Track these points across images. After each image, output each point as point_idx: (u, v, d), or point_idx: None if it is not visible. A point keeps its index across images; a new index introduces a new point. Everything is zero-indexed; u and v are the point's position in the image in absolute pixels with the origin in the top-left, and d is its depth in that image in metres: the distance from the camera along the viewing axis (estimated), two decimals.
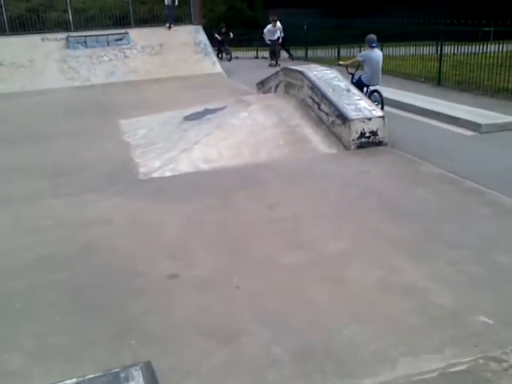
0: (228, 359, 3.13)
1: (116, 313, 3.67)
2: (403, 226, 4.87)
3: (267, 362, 3.09)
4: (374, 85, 9.32)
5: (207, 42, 18.15)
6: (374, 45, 9.29)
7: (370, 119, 7.41)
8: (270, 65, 18.84)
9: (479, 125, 8.18)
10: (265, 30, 19.70)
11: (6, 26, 17.52)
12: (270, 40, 19.54)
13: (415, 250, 4.37)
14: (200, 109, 9.61)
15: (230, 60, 21.41)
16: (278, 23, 19.61)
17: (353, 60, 10.05)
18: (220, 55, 21.40)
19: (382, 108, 8.50)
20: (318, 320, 3.45)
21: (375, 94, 9.24)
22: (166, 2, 18.33)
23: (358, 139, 7.38)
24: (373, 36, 9.28)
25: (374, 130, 7.41)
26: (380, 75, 9.39)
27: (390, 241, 4.56)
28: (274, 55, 19.50)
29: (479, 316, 3.38)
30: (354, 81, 9.36)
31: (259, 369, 3.03)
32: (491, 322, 3.32)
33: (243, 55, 22.74)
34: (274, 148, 7.48)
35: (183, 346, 3.28)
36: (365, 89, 9.24)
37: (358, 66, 9.70)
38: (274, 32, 19.48)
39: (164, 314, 3.64)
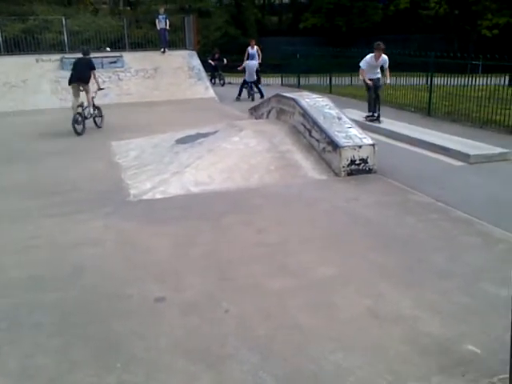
0: None
1: (102, 335, 3.63)
2: (392, 254, 4.88)
3: None
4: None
5: (201, 67, 18.35)
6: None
7: (360, 147, 7.49)
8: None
9: (468, 155, 8.28)
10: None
11: (1, 47, 17.62)
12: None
13: (403, 279, 4.38)
14: (192, 132, 9.66)
15: (223, 85, 21.65)
16: (256, 47, 19.36)
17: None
18: (213, 80, 21.62)
19: None
20: (305, 346, 3.43)
21: None
22: (158, 27, 18.56)
23: (348, 166, 7.44)
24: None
25: (365, 157, 7.48)
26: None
27: (379, 268, 4.56)
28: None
29: (467, 345, 3.38)
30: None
31: None
32: (479, 351, 3.32)
33: (236, 81, 22.92)
34: (265, 173, 7.52)
35: (169, 370, 3.24)
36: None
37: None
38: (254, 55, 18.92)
39: (150, 337, 3.60)
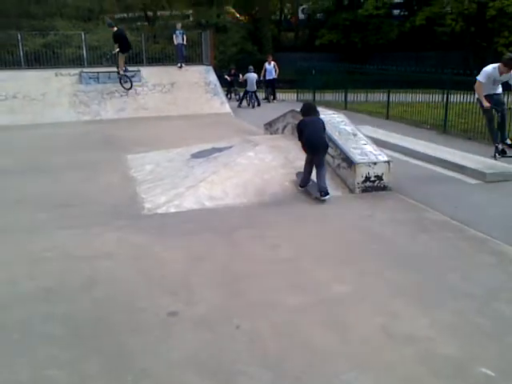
0: None
1: (114, 348, 3.64)
2: (406, 272, 4.84)
3: None
4: None
5: (217, 83, 18.49)
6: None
7: (375, 163, 7.47)
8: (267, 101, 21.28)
9: (484, 174, 8.21)
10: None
11: (22, 61, 17.94)
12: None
13: (418, 298, 4.33)
14: (207, 147, 9.71)
15: (238, 100, 21.79)
16: (273, 62, 21.44)
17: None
18: (229, 95, 21.75)
19: None
20: (317, 364, 3.40)
21: None
22: (175, 42, 18.78)
23: (362, 183, 7.42)
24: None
25: (379, 174, 7.46)
26: None
27: (393, 287, 4.53)
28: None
29: (481, 367, 3.33)
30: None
31: None
32: (493, 374, 3.27)
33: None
34: (279, 188, 7.52)
35: None
36: None
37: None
38: (271, 71, 21.19)
39: (162, 351, 3.60)
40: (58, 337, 3.80)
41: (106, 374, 3.34)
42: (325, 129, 7.58)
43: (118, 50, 15.52)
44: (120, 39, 15.59)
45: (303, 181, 7.54)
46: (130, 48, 16.35)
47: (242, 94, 20.89)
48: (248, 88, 20.43)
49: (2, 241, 5.86)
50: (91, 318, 4.07)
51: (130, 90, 16.88)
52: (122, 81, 16.39)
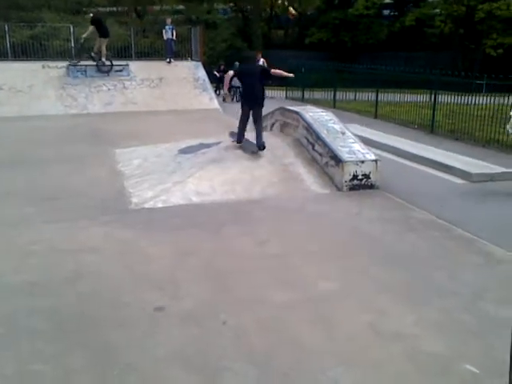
0: None
1: (99, 342, 3.61)
2: (392, 270, 4.86)
3: None
4: None
5: (206, 78, 18.43)
6: None
7: (363, 162, 7.49)
8: None
9: (470, 174, 8.28)
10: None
11: (9, 52, 17.73)
12: None
13: (405, 296, 4.35)
14: (195, 143, 9.66)
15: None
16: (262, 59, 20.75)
17: None
18: (218, 92, 21.70)
19: None
20: (304, 361, 3.40)
21: None
22: (164, 37, 18.69)
23: (350, 181, 7.44)
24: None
25: (367, 172, 7.49)
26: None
27: (379, 284, 4.54)
28: None
29: (466, 365, 3.35)
30: None
31: None
32: (478, 371, 3.29)
33: None
34: (267, 185, 7.52)
35: (165, 380, 3.22)
36: None
37: None
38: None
39: (148, 346, 3.58)
40: (43, 331, 3.76)
41: (91, 369, 3.31)
42: (263, 77, 8.19)
43: (93, 31, 16.22)
44: (99, 24, 16.38)
45: (239, 137, 7.70)
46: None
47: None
48: (233, 83, 20.46)
49: None
50: (76, 313, 4.03)
51: (118, 84, 16.79)
52: (100, 66, 16.89)
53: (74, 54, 18.17)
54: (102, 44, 16.50)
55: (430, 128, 12.82)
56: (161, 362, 3.40)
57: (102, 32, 16.42)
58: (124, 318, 3.95)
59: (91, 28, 16.19)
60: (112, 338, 3.67)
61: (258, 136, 7.67)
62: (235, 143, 7.90)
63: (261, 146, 7.37)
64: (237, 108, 18.04)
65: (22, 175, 8.45)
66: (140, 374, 3.26)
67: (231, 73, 8.86)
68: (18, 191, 7.52)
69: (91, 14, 16.78)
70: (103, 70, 16.91)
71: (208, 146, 9.27)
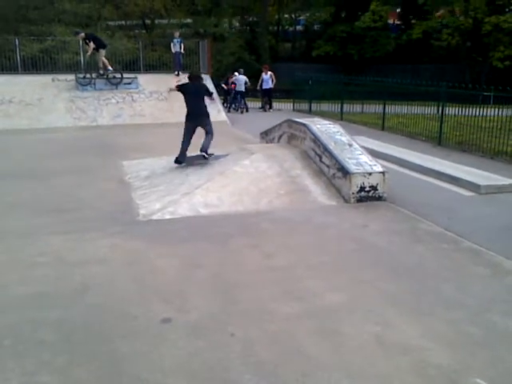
0: None
1: (106, 354, 3.61)
2: (400, 282, 4.84)
3: None
4: None
5: (214, 91, 18.52)
6: None
7: (370, 174, 7.49)
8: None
9: (478, 186, 8.25)
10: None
11: (19, 65, 17.95)
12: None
13: (412, 308, 4.33)
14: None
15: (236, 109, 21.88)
16: (270, 72, 21.92)
17: None
18: (225, 104, 21.82)
19: None
20: (311, 373, 3.39)
21: None
22: (172, 50, 18.84)
23: (357, 193, 7.44)
24: None
25: (374, 184, 7.48)
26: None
27: (387, 297, 4.52)
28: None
29: (475, 378, 3.32)
30: None
31: None
32: None
33: (249, 105, 23.13)
34: (274, 197, 7.53)
35: None
36: None
37: None
38: (267, 80, 21.63)
39: (155, 358, 3.58)
40: (50, 343, 3.77)
41: (98, 381, 3.31)
42: (205, 94, 9.09)
43: (93, 47, 16.37)
44: (94, 38, 16.85)
45: (181, 157, 8.44)
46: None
47: (231, 99, 21.84)
48: (237, 88, 21.26)
49: None
50: (84, 324, 4.04)
51: (127, 97, 16.94)
52: (111, 79, 17.26)
53: (83, 67, 18.36)
54: (101, 55, 16.83)
55: (438, 140, 12.80)
56: (168, 374, 3.40)
57: (99, 44, 16.72)
58: (131, 330, 3.95)
59: (90, 44, 16.42)
60: (119, 350, 3.67)
61: (205, 142, 8.24)
62: (176, 164, 8.65)
63: (203, 149, 7.80)
64: (244, 120, 18.20)
65: (31, 187, 8.52)
66: None
67: (173, 87, 9.38)
68: (26, 203, 7.58)
69: (81, 34, 17.01)
70: (113, 83, 17.05)
71: (216, 157, 9.32)
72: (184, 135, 9.12)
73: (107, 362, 3.52)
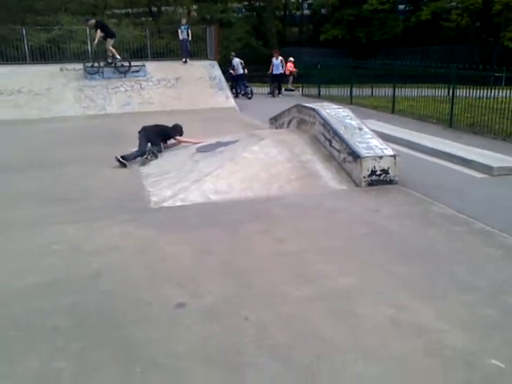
0: None
1: (121, 340, 3.64)
2: (413, 265, 4.82)
3: None
4: None
5: (222, 77, 18.48)
6: None
7: (381, 157, 7.44)
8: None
9: (491, 167, 8.17)
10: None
11: (27, 56, 17.97)
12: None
13: (425, 290, 4.32)
14: (212, 141, 9.72)
15: (247, 96, 21.82)
16: (280, 57, 22.06)
17: None
18: (234, 90, 21.75)
19: None
20: (326, 355, 3.40)
21: None
22: (180, 37, 18.76)
23: (368, 177, 7.40)
24: None
25: (385, 168, 7.44)
26: None
27: (400, 280, 4.51)
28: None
29: (491, 359, 3.31)
30: None
31: None
32: (503, 365, 3.25)
33: (256, 91, 23.05)
34: (285, 182, 7.51)
35: (188, 376, 3.23)
36: None
37: None
38: (278, 66, 21.71)
39: (170, 343, 3.60)
40: (64, 329, 3.80)
41: (114, 365, 3.34)
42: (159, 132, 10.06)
43: (102, 35, 16.37)
44: (103, 26, 16.72)
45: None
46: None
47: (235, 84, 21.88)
48: (236, 72, 21.67)
49: (8, 234, 5.88)
50: (97, 311, 4.07)
51: (135, 85, 16.94)
52: (119, 67, 17.21)
53: (91, 56, 18.34)
54: (109, 44, 16.78)
55: (449, 122, 12.69)
56: (183, 358, 3.42)
57: (108, 33, 16.65)
58: (145, 316, 3.98)
59: (98, 33, 16.35)
60: (133, 335, 3.70)
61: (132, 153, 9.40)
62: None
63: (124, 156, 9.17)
64: (253, 106, 18.14)
65: (40, 176, 8.57)
66: (163, 371, 3.28)
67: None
68: (36, 192, 7.62)
69: (91, 21, 16.97)
70: (121, 71, 17.03)
71: (225, 144, 9.30)
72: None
73: (122, 348, 3.54)
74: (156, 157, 9.42)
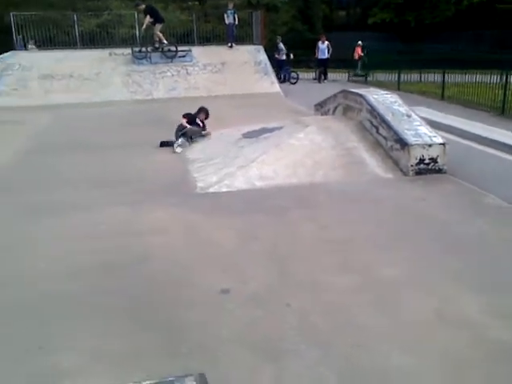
0: (275, 378, 3.12)
1: (168, 322, 3.73)
2: (460, 256, 4.73)
3: (313, 383, 3.06)
4: None
5: (267, 62, 18.43)
6: None
7: (430, 145, 7.29)
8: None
9: None
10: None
11: (77, 41, 18.38)
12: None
13: (473, 282, 4.23)
14: (258, 127, 9.72)
15: (290, 81, 21.70)
16: (326, 42, 21.90)
17: None
18: (279, 75, 21.67)
19: None
20: (367, 345, 3.39)
21: None
22: (226, 22, 18.76)
23: (416, 165, 7.26)
24: None
25: (434, 156, 7.28)
26: None
27: (447, 271, 4.44)
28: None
29: None
30: None
31: None
32: None
33: (302, 76, 22.88)
34: (329, 169, 7.46)
35: (231, 360, 3.29)
36: None
37: None
38: (324, 50, 21.64)
39: (213, 327, 3.67)
40: (114, 309, 3.93)
41: (161, 347, 3.43)
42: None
43: (151, 20, 16.68)
44: (152, 11, 16.89)
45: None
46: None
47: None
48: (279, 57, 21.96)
49: (60, 216, 6.07)
50: (145, 293, 4.18)
51: (181, 70, 17.08)
52: (166, 52, 17.50)
53: (139, 41, 18.58)
54: (157, 29, 16.99)
55: (501, 109, 12.29)
56: (226, 342, 3.48)
57: (156, 18, 16.82)
58: (191, 299, 4.06)
59: (147, 18, 16.53)
60: (179, 318, 3.78)
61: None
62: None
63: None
64: (298, 91, 18.03)
65: (88, 160, 8.81)
66: (207, 354, 3.35)
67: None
68: (85, 176, 7.84)
69: (142, 6, 17.12)
70: (168, 56, 17.19)
71: (270, 130, 9.30)
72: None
73: (168, 330, 3.64)
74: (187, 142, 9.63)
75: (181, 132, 9.66)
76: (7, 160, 9.00)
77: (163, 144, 9.58)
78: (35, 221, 5.92)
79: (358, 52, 22.40)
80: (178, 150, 9.24)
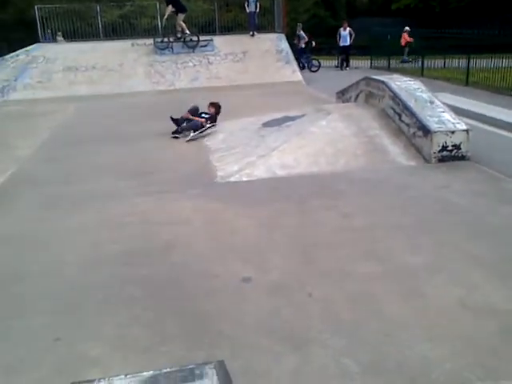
0: (298, 367, 3.12)
1: (191, 311, 3.77)
2: (485, 244, 4.66)
3: (337, 373, 3.06)
4: None
5: (289, 50, 18.31)
6: None
7: (453, 132, 7.18)
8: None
9: None
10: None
11: (100, 32, 18.52)
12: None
13: (498, 271, 4.17)
14: (279, 116, 9.69)
15: (311, 69, 21.50)
16: (348, 28, 21.64)
17: None
18: (301, 64, 21.53)
19: None
20: (391, 334, 3.38)
21: None
22: (247, 10, 18.67)
23: (439, 152, 7.16)
24: None
25: (457, 143, 7.17)
26: None
27: (471, 259, 4.38)
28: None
29: None
30: None
31: (328, 379, 3.01)
32: None
33: (324, 64, 22.70)
34: (351, 157, 7.41)
35: (254, 348, 3.31)
36: None
37: None
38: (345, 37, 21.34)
39: (237, 315, 3.69)
40: (139, 298, 3.98)
41: (184, 335, 3.47)
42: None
43: (173, 10, 16.65)
44: (176, 1, 16.78)
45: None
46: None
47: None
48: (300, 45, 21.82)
49: (85, 206, 6.17)
50: (169, 282, 4.23)
51: (203, 60, 17.08)
52: (188, 42, 17.52)
53: (161, 31, 18.63)
54: (179, 19, 17.01)
55: None
56: (249, 331, 3.50)
57: (179, 8, 16.82)
58: (213, 288, 4.09)
59: (169, 7, 16.54)
60: (202, 306, 3.82)
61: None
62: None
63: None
64: (319, 79, 17.89)
65: (113, 150, 8.91)
66: (230, 342, 3.38)
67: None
68: (108, 166, 7.94)
69: None
70: (190, 46, 17.22)
71: (292, 118, 9.26)
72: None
73: (192, 318, 3.67)
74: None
75: (180, 126, 9.77)
76: (33, 151, 9.16)
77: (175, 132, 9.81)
78: (62, 211, 6.04)
79: (406, 38, 21.75)
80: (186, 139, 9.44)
